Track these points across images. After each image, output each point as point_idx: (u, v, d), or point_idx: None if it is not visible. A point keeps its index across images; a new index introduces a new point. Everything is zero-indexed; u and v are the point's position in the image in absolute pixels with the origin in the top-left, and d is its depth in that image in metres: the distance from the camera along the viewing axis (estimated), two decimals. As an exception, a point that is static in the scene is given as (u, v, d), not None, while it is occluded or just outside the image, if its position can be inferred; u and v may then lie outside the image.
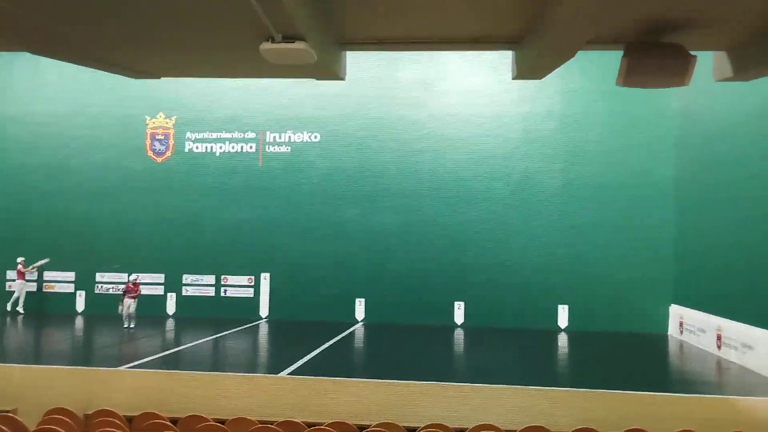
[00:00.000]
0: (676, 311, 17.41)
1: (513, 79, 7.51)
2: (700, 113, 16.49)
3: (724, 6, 5.52)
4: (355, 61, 18.84)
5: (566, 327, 18.22)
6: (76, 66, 8.15)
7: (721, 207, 14.71)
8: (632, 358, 14.66)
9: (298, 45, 5.43)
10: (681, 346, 16.10)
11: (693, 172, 16.82)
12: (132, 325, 16.65)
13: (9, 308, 19.13)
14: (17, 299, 19.25)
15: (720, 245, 14.60)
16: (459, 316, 18.72)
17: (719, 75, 7.40)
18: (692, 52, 6.25)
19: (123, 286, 17.61)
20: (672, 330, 17.60)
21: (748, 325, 13.04)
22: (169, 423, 6.59)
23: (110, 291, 19.61)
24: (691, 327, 16.24)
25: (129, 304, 16.66)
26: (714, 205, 15.15)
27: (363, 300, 19.12)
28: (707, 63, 7.68)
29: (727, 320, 14.06)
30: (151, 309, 18.66)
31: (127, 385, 9.88)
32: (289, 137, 19.84)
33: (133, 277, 17.57)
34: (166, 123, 20.26)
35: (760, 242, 12.60)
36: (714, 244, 14.99)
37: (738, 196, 13.86)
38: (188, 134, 20.17)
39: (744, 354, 13.14)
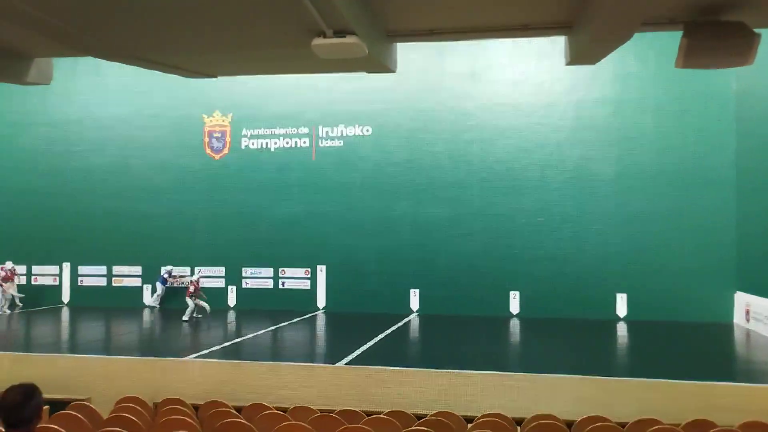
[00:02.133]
0: (742, 299, 16.79)
1: (567, 64, 7.38)
2: (760, 93, 15.82)
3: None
4: (403, 53, 18.89)
5: (625, 316, 17.84)
6: (135, 69, 8.49)
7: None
8: (694, 347, 14.22)
9: (349, 39, 5.50)
10: (747, 335, 15.54)
11: (754, 154, 16.15)
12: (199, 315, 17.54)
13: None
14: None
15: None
16: (514, 306, 18.58)
17: (783, 52, 7.11)
18: (755, 30, 6.03)
19: (191, 279, 18.40)
20: (738, 318, 16.99)
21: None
22: (233, 411, 6.79)
23: (176, 284, 20.28)
24: (758, 315, 15.64)
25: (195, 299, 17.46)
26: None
27: (417, 291, 19.19)
28: (770, 40, 7.39)
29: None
30: (212, 302, 19.17)
31: (194, 375, 10.25)
32: (342, 131, 20.04)
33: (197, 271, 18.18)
34: (223, 121, 20.77)
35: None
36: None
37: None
38: (244, 131, 20.64)
39: (816, 342, 12.62)
